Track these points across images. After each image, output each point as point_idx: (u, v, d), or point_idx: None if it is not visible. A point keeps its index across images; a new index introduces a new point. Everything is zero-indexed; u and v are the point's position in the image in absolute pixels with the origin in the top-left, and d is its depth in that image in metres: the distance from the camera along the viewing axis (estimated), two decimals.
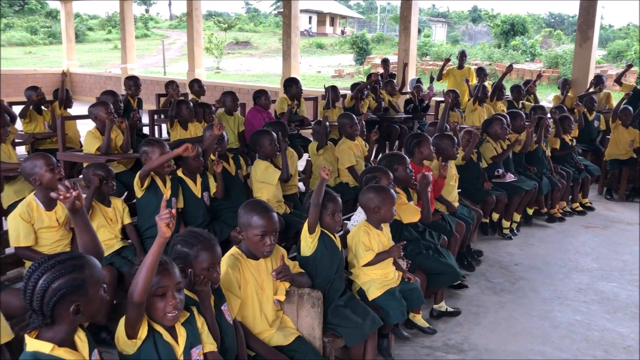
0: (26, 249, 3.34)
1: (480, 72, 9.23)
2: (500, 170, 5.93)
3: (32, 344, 1.79)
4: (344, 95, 8.44)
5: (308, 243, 3.10)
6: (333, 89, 8.07)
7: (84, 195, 2.23)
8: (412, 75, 11.49)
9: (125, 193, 4.92)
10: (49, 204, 3.40)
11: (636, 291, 4.64)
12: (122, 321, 2.07)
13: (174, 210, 2.00)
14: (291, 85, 7.61)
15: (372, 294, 3.35)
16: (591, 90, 8.90)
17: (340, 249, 3.32)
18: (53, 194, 2.09)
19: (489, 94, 8.08)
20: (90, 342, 1.92)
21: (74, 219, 2.11)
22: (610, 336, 3.90)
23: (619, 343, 3.81)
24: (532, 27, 34.07)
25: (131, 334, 2.06)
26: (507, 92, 8.81)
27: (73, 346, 1.86)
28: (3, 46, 36.83)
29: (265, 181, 4.52)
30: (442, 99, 8.59)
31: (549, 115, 7.10)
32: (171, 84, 7.67)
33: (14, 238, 3.32)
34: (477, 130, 5.73)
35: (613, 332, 3.96)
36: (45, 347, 1.77)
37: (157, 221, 1.97)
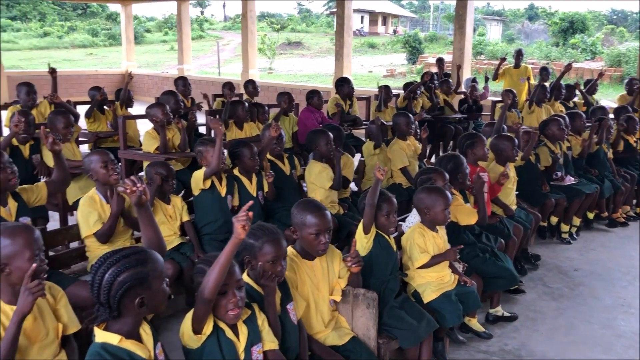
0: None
1: (544, 72, 8.97)
2: (560, 173, 5.75)
3: (101, 336, 1.86)
4: (397, 95, 8.39)
5: (363, 243, 3.09)
6: (386, 88, 8.04)
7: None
8: (466, 75, 11.30)
9: (183, 191, 5.04)
10: (109, 198, 3.53)
11: None
12: (188, 316, 2.13)
13: (250, 214, 2.03)
14: (342, 84, 7.62)
15: (428, 296, 3.32)
16: None
17: (395, 250, 3.30)
18: (120, 188, 2.17)
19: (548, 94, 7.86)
20: (154, 336, 1.98)
21: (139, 213, 2.19)
22: None
23: None
24: (592, 24, 32.89)
25: (197, 330, 2.11)
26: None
27: (139, 339, 1.93)
28: (66, 48, 38.42)
29: (317, 184, 4.54)
30: (499, 99, 8.41)
31: (611, 116, 6.83)
32: (227, 85, 7.82)
33: (85, 228, 3.43)
34: (535, 131, 5.58)
35: None
36: (113, 338, 1.85)
37: (233, 222, 2.01)
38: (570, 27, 29.53)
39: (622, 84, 9.27)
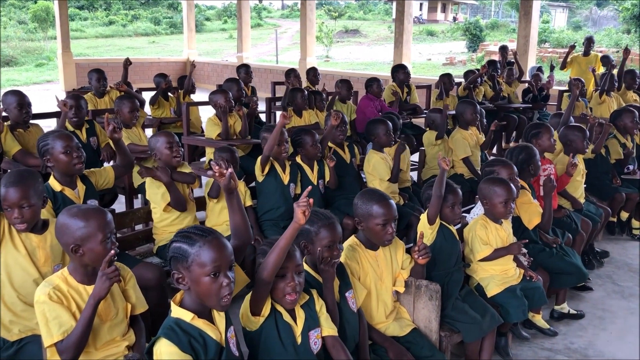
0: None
1: (606, 60, 8.57)
2: (632, 167, 5.48)
3: (176, 311, 1.92)
4: (458, 84, 8.20)
5: (427, 234, 3.04)
6: (447, 76, 7.87)
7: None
8: (531, 63, 10.92)
9: (244, 177, 5.10)
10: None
11: None
12: (247, 298, 2.16)
13: (311, 200, 2.03)
14: (398, 71, 7.52)
15: (492, 290, 3.24)
16: None
17: (458, 241, 3.24)
18: (209, 172, 2.21)
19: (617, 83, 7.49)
20: (227, 319, 2.01)
21: (228, 199, 2.22)
22: None
23: None
24: None
25: (255, 311, 2.14)
26: None
27: (211, 320, 1.97)
28: (130, 36, 39.56)
29: (375, 175, 4.50)
30: (565, 88, 8.09)
31: None
32: (292, 72, 7.83)
33: (159, 203, 3.60)
34: (608, 123, 5.32)
35: None
36: (186, 315, 1.89)
37: (295, 208, 2.02)
38: None
39: None
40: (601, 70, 8.80)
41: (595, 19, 41.86)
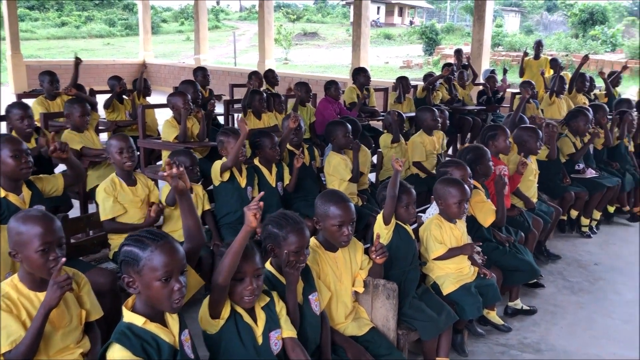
0: (114, 221, 3.52)
1: (555, 64, 8.87)
2: (581, 166, 5.68)
3: (128, 316, 1.89)
4: (415, 87, 8.32)
5: (383, 234, 3.08)
6: (404, 79, 7.99)
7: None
8: (485, 66, 11.18)
9: (202, 180, 5.06)
10: (130, 181, 3.62)
11: None
12: (205, 301, 2.15)
13: (261, 203, 2.05)
14: (359, 73, 7.60)
15: (447, 288, 3.30)
16: None
17: (414, 241, 3.29)
18: (160, 174, 2.18)
19: (567, 85, 7.75)
20: (181, 322, 2.00)
21: (179, 201, 2.20)
22: None
23: None
24: (612, 15, 32.32)
25: (214, 314, 2.13)
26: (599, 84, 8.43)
27: (164, 323, 1.95)
28: (84, 38, 38.63)
29: (336, 176, 4.53)
30: (518, 90, 8.32)
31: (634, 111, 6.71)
32: (254, 75, 7.79)
33: (103, 211, 3.51)
34: (556, 123, 5.49)
35: None
36: (138, 319, 1.87)
37: (245, 211, 2.03)
38: (590, 19, 29.05)
39: None
40: (551, 72, 9.10)
41: (546, 24, 43.10)
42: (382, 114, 7.47)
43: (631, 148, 6.40)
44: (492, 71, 9.99)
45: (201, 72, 7.82)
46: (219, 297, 2.11)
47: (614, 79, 8.58)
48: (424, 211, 3.91)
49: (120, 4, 46.49)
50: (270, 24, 15.00)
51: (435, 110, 5.66)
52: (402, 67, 25.39)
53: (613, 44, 25.94)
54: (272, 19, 15.18)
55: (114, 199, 3.50)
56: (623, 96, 8.07)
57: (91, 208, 5.01)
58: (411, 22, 49.15)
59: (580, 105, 6.86)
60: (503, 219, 3.92)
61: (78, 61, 6.81)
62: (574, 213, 5.61)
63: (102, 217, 3.51)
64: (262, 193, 2.20)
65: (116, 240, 3.53)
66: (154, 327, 1.89)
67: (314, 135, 6.81)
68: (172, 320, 1.97)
